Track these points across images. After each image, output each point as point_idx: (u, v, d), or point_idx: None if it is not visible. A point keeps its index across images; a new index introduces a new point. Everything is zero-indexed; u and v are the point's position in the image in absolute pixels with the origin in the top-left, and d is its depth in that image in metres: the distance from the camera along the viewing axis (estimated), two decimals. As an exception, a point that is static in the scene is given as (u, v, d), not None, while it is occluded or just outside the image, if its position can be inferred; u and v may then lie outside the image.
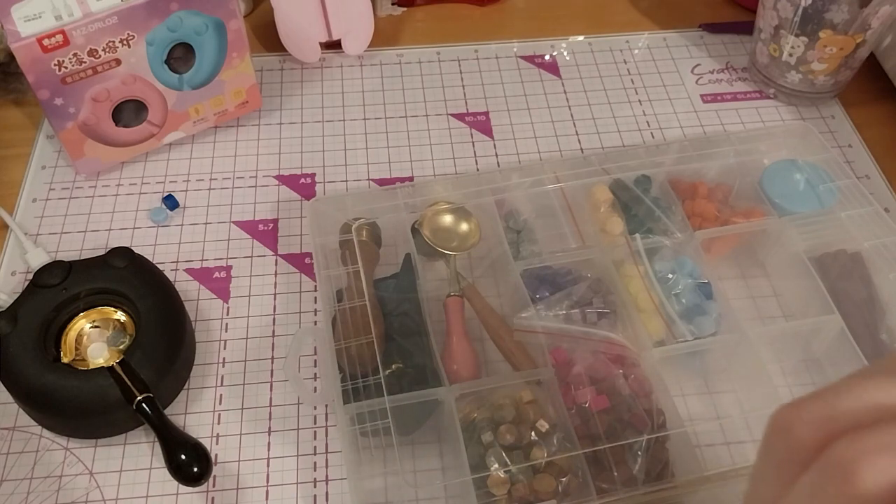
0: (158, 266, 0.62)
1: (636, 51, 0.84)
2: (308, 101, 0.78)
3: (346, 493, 0.54)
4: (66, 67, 0.61)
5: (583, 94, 0.80)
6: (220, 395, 0.59)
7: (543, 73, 0.82)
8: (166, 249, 0.66)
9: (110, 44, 0.62)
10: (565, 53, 0.84)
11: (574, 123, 0.77)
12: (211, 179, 0.72)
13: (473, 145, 0.75)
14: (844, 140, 0.76)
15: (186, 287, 0.64)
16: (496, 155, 0.74)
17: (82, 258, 0.60)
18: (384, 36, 0.84)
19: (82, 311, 0.58)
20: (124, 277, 0.58)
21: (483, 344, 0.60)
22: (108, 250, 0.60)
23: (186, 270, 0.65)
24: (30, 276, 0.60)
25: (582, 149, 0.75)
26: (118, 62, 0.64)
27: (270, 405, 0.58)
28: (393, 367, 0.55)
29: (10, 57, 0.67)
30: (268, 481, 0.55)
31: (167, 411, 0.56)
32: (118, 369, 0.54)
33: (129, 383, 0.53)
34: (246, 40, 0.70)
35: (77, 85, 0.63)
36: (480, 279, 0.64)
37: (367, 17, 0.80)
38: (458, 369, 0.56)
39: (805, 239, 0.62)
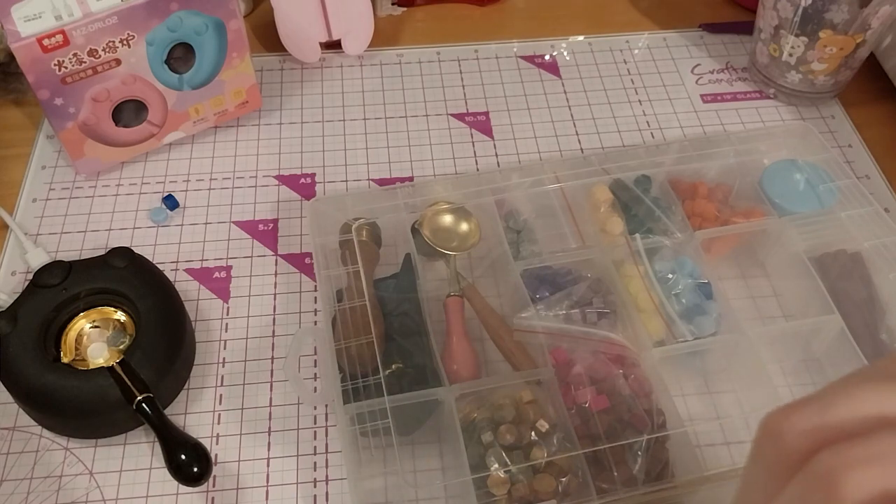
0: (158, 266, 0.62)
1: (636, 51, 0.84)
2: (308, 101, 0.78)
3: (346, 493, 0.54)
4: (66, 67, 0.61)
5: (583, 94, 0.80)
6: (220, 395, 0.59)
7: (543, 73, 0.82)
8: (166, 249, 0.66)
9: (110, 44, 0.62)
10: (565, 53, 0.84)
11: (574, 123, 0.77)
12: (211, 179, 0.72)
13: (473, 145, 0.75)
14: (844, 140, 0.76)
15: (186, 287, 0.64)
16: (496, 155, 0.74)
17: (82, 258, 0.60)
18: (384, 36, 0.84)
19: (82, 311, 0.58)
20: (124, 277, 0.58)
21: (483, 344, 0.60)
22: (108, 250, 0.60)
23: (186, 270, 0.65)
24: (30, 276, 0.60)
25: (582, 149, 0.75)
26: (118, 62, 0.64)
27: (270, 405, 0.58)
28: (393, 367, 0.55)
29: (10, 57, 0.67)
30: (268, 481, 0.55)
31: (167, 411, 0.56)
32: (118, 369, 0.54)
33: (129, 383, 0.53)
34: (246, 40, 0.70)
35: (77, 85, 0.63)
36: (480, 279, 0.64)
37: (367, 17, 0.80)
38: (458, 369, 0.56)
39: (805, 239, 0.62)
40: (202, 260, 0.66)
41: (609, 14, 0.89)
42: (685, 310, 0.59)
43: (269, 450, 0.56)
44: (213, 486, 0.54)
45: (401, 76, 0.81)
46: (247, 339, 0.61)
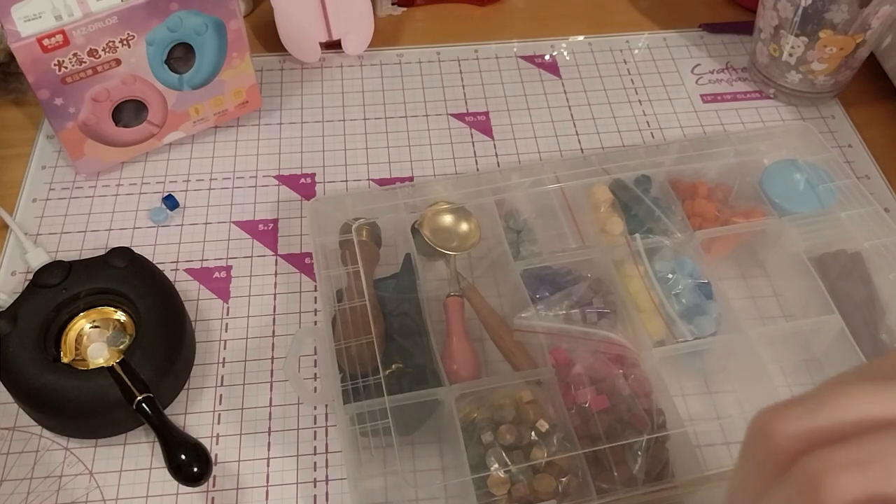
0: (158, 266, 0.62)
1: (636, 51, 0.84)
2: (308, 101, 0.78)
3: (346, 493, 0.54)
4: (66, 67, 0.61)
5: (583, 94, 0.80)
6: (220, 395, 0.59)
7: (543, 73, 0.82)
8: (166, 249, 0.66)
9: (110, 44, 0.62)
10: (565, 53, 0.84)
11: (574, 123, 0.77)
12: (211, 179, 0.72)
13: (473, 145, 0.75)
14: (844, 140, 0.76)
15: (186, 287, 0.64)
16: (496, 155, 0.74)
17: (82, 258, 0.60)
18: (384, 36, 0.84)
19: (82, 311, 0.58)
20: (124, 277, 0.58)
21: (483, 344, 0.60)
22: (108, 250, 0.60)
23: (186, 270, 0.65)
24: (30, 276, 0.60)
25: (582, 149, 0.75)
26: (118, 62, 0.64)
27: (270, 405, 0.58)
28: (393, 367, 0.55)
29: (10, 57, 0.68)
30: (268, 481, 0.55)
31: (167, 411, 0.56)
32: (118, 369, 0.54)
33: (129, 383, 0.53)
34: (246, 40, 0.70)
35: (77, 85, 0.63)
36: (480, 279, 0.64)
37: (367, 17, 0.80)
38: (458, 369, 0.56)
39: (805, 239, 0.62)
40: (202, 260, 0.66)
41: (609, 14, 0.89)
42: (685, 310, 0.59)
43: (269, 450, 0.56)
44: (213, 486, 0.54)
45: (401, 76, 0.81)
46: (247, 339, 0.61)
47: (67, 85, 0.63)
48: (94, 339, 0.57)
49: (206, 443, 0.54)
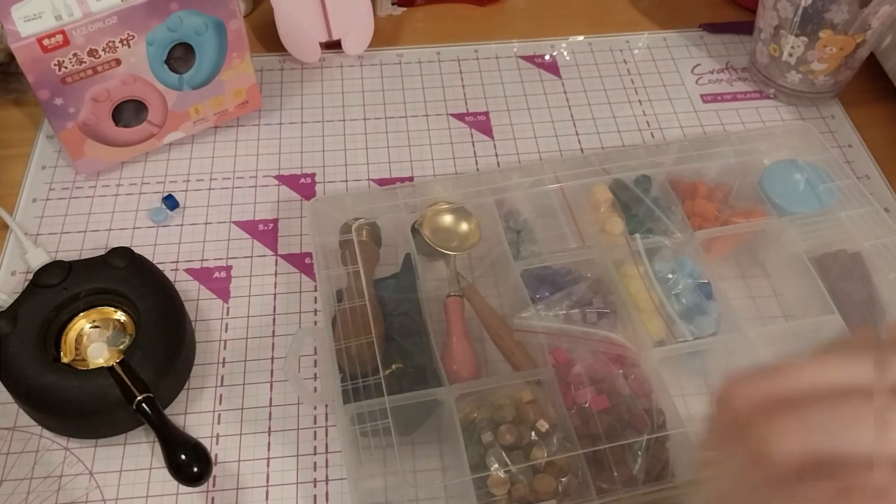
0: (158, 266, 0.62)
1: (636, 51, 0.84)
2: (308, 101, 0.78)
3: (346, 493, 0.54)
4: (66, 67, 0.61)
5: (583, 94, 0.80)
6: (220, 395, 0.59)
7: (543, 73, 0.82)
8: (166, 249, 0.66)
9: (110, 44, 0.62)
10: (565, 53, 0.84)
11: (574, 123, 0.77)
12: (211, 179, 0.72)
13: (473, 145, 0.75)
14: (844, 140, 0.76)
15: (186, 287, 0.64)
16: (496, 155, 0.74)
17: (82, 258, 0.60)
18: (384, 36, 0.84)
19: (82, 311, 0.58)
20: (124, 277, 0.58)
21: (483, 344, 0.60)
22: (108, 250, 0.60)
23: (186, 270, 0.65)
24: (30, 276, 0.60)
25: (582, 149, 0.75)
26: (118, 62, 0.64)
27: (270, 405, 0.58)
28: (393, 367, 0.55)
29: (10, 57, 0.67)
30: (268, 481, 0.55)
31: (167, 411, 0.56)
32: (118, 369, 0.54)
33: (129, 383, 0.53)
34: (246, 40, 0.70)
35: (77, 85, 0.63)
36: (480, 279, 0.64)
37: (367, 17, 0.80)
38: (458, 369, 0.56)
39: (805, 239, 0.62)
40: (202, 260, 0.66)
41: (609, 14, 0.89)
42: (685, 310, 0.59)
43: (269, 450, 0.56)
44: (213, 486, 0.54)
45: (401, 76, 0.81)
46: (247, 339, 0.61)
47: (67, 85, 0.63)
48: (94, 339, 0.57)
49: (206, 443, 0.54)
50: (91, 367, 0.55)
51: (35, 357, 0.54)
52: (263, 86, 0.79)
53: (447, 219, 0.64)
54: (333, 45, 0.81)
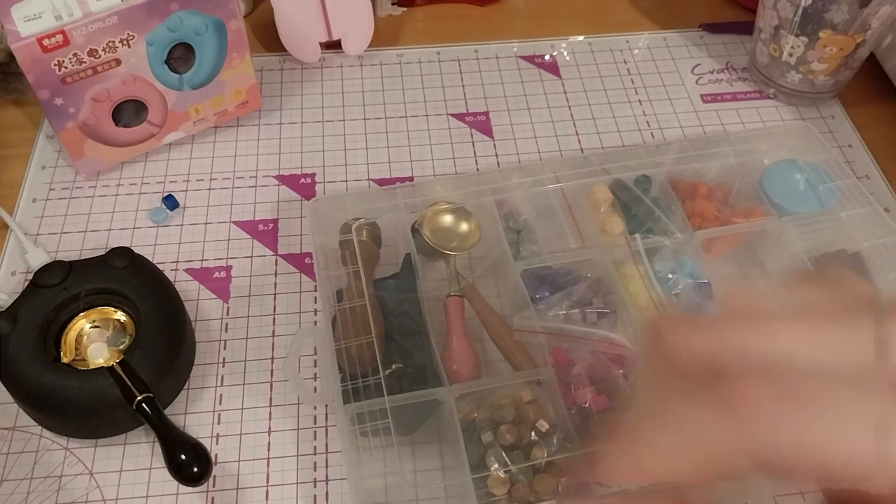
0: (158, 266, 0.62)
1: (636, 51, 0.84)
2: (308, 101, 0.78)
3: (346, 493, 0.54)
4: (66, 67, 0.62)
5: (583, 94, 0.80)
6: (220, 395, 0.59)
7: (543, 73, 0.82)
8: (166, 249, 0.66)
9: (110, 44, 0.62)
10: (565, 53, 0.84)
11: (574, 123, 0.77)
12: (211, 179, 0.72)
13: (473, 145, 0.75)
14: (844, 140, 0.76)
15: (186, 287, 0.64)
16: (496, 155, 0.74)
17: (82, 258, 0.60)
18: (384, 36, 0.84)
19: (82, 311, 0.58)
20: (124, 277, 0.58)
21: (483, 344, 0.60)
22: (108, 250, 0.60)
23: (186, 270, 0.65)
24: (30, 276, 0.60)
25: (582, 149, 0.75)
26: (118, 62, 0.64)
27: (270, 405, 0.58)
28: (393, 367, 0.55)
29: (10, 57, 0.67)
30: (268, 481, 0.55)
31: (167, 411, 0.56)
32: (118, 369, 0.54)
33: (129, 383, 0.53)
34: (246, 40, 0.70)
35: (77, 85, 0.63)
36: (480, 279, 0.64)
37: (367, 17, 0.80)
38: (458, 369, 0.56)
39: (805, 239, 0.62)
40: (202, 260, 0.66)
41: (609, 14, 0.89)
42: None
43: (269, 450, 0.56)
44: (213, 486, 0.54)
45: (401, 76, 0.81)
46: (247, 339, 0.61)
47: (67, 85, 0.63)
48: (94, 339, 0.57)
49: (206, 443, 0.54)
50: (91, 367, 0.55)
51: (35, 357, 0.54)
52: (263, 86, 0.79)
53: (447, 219, 0.64)
54: (333, 45, 0.81)
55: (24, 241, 0.65)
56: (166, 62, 0.66)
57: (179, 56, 0.67)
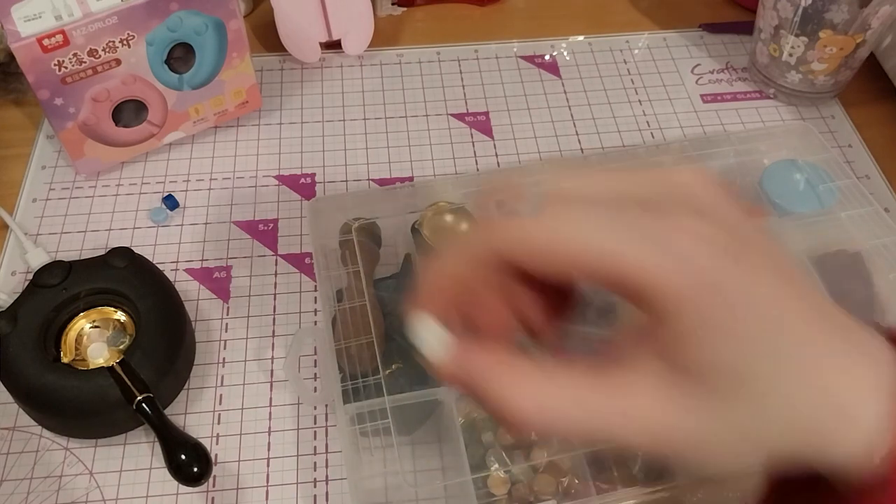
0: (158, 266, 0.62)
1: (636, 51, 0.84)
2: (308, 101, 0.78)
3: (346, 493, 0.54)
4: (66, 67, 0.62)
5: (583, 94, 0.80)
6: (220, 395, 0.59)
7: (543, 73, 0.82)
8: (166, 249, 0.66)
9: (110, 44, 0.62)
10: (565, 53, 0.84)
11: (574, 123, 0.77)
12: (211, 179, 0.72)
13: (473, 145, 0.75)
14: (844, 140, 0.76)
15: (186, 287, 0.64)
16: (496, 155, 0.74)
17: (82, 258, 0.60)
18: (384, 36, 0.84)
19: (82, 311, 0.58)
20: (124, 277, 0.58)
21: (483, 344, 0.60)
22: (108, 250, 0.60)
23: (186, 270, 0.65)
24: (30, 276, 0.60)
25: (582, 149, 0.75)
26: (118, 62, 0.64)
27: (270, 405, 0.58)
28: (393, 367, 0.55)
29: (10, 57, 0.67)
30: (268, 481, 0.55)
31: (167, 411, 0.56)
32: (118, 369, 0.54)
33: (129, 383, 0.53)
34: (246, 40, 0.70)
35: (77, 85, 0.63)
36: (480, 279, 0.64)
37: (367, 17, 0.80)
38: (458, 369, 0.56)
39: (805, 239, 0.62)
40: (202, 260, 0.66)
41: (609, 14, 0.89)
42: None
43: (269, 450, 0.56)
44: (213, 486, 0.54)
45: (401, 76, 0.81)
46: (247, 339, 0.61)
47: (67, 85, 0.63)
48: (94, 339, 0.57)
49: (206, 443, 0.54)
50: (91, 367, 0.55)
51: (35, 357, 0.54)
52: (263, 86, 0.79)
53: (447, 219, 0.64)
54: (333, 45, 0.81)
55: (24, 241, 0.65)
56: (166, 62, 0.66)
57: (179, 56, 0.67)
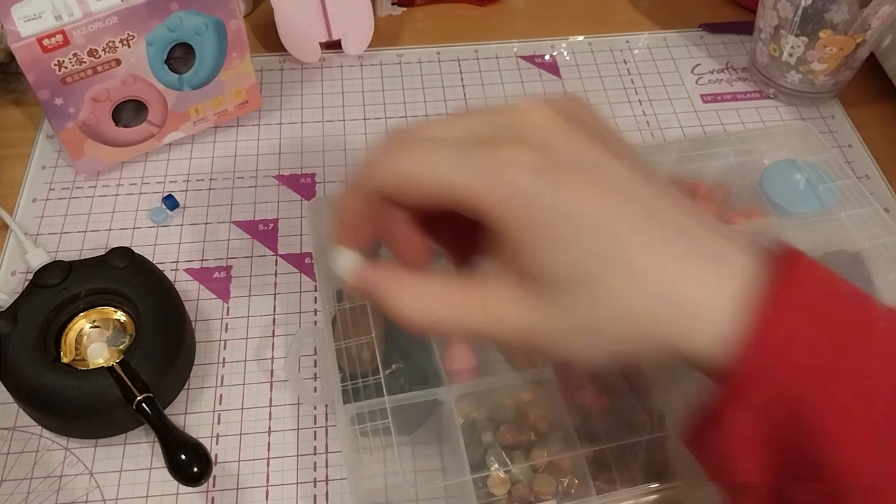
0: (158, 266, 0.62)
1: (636, 51, 0.84)
2: (308, 101, 0.78)
3: (346, 493, 0.54)
4: (66, 67, 0.62)
5: (583, 94, 0.80)
6: (220, 395, 0.59)
7: (543, 73, 0.82)
8: (166, 249, 0.66)
9: (110, 44, 0.62)
10: (565, 53, 0.84)
11: (574, 123, 0.77)
12: (211, 179, 0.72)
13: (473, 145, 0.75)
14: (844, 140, 0.76)
15: (186, 287, 0.64)
16: (496, 155, 0.74)
17: (82, 258, 0.60)
18: (384, 36, 0.85)
19: (82, 311, 0.58)
20: (124, 277, 0.58)
21: (483, 344, 0.60)
22: (108, 250, 0.60)
23: (186, 270, 0.65)
24: (30, 276, 0.60)
25: (582, 149, 0.75)
26: (118, 62, 0.64)
27: (270, 405, 0.58)
28: (393, 367, 0.55)
29: (10, 57, 0.68)
30: (268, 481, 0.55)
31: (167, 411, 0.56)
32: (118, 369, 0.54)
33: (129, 383, 0.53)
34: (246, 40, 0.70)
35: (77, 85, 0.63)
36: (480, 279, 0.64)
37: (367, 17, 0.80)
38: (458, 369, 0.56)
39: (805, 239, 0.62)
40: (202, 260, 0.66)
41: (609, 14, 0.89)
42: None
43: (269, 450, 0.56)
44: (213, 486, 0.54)
45: (401, 76, 0.81)
46: (247, 339, 0.61)
47: (67, 85, 0.63)
48: (94, 339, 0.57)
49: (206, 443, 0.54)
50: (91, 367, 0.55)
51: (35, 357, 0.54)
52: (263, 86, 0.79)
53: (447, 219, 0.64)
54: (333, 45, 0.81)
55: (24, 241, 0.65)
56: (166, 62, 0.66)
57: (179, 56, 0.67)
